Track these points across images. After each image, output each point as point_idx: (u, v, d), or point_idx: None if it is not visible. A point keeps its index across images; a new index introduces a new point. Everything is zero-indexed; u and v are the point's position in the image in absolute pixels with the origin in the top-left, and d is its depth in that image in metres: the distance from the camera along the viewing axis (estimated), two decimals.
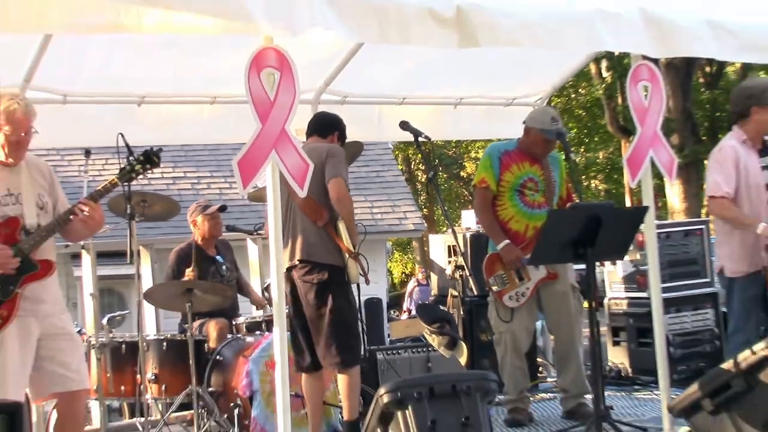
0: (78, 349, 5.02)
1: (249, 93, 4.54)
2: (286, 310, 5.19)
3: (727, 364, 5.29)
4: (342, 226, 5.74)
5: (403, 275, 36.38)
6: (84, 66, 6.68)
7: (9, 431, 2.85)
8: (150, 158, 5.24)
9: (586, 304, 6.32)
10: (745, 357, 5.19)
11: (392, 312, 11.45)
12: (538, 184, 6.70)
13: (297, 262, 5.80)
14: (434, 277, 10.18)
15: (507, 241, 6.62)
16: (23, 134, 4.75)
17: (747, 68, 21.11)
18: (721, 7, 6.19)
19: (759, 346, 5.16)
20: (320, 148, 5.55)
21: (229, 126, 7.24)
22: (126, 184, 5.58)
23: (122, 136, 6.12)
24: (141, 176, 5.41)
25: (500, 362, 6.87)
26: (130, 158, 5.34)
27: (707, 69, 22.75)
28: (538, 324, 7.99)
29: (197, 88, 7.30)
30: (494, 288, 6.74)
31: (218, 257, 7.71)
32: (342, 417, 6.25)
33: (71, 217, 4.85)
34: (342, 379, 5.81)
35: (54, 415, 5.36)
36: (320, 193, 5.64)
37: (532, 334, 7.13)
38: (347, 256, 5.74)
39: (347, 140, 6.31)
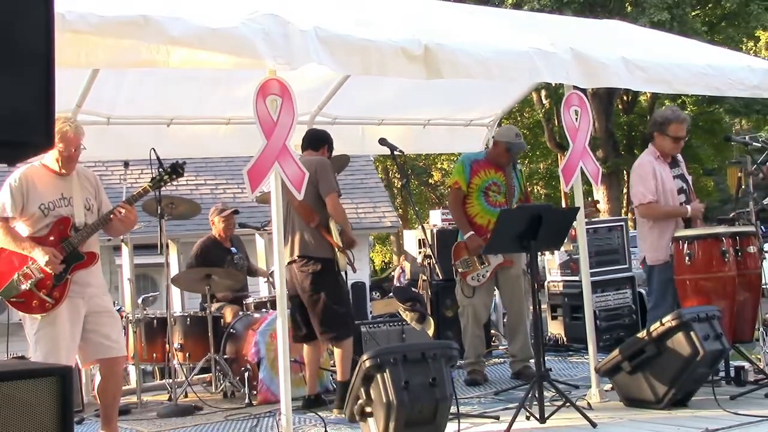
0: (117, 323, 5.02)
1: (256, 115, 4.55)
2: (288, 293, 5.21)
3: (642, 334, 5.33)
4: (333, 226, 5.74)
5: (383, 263, 36.28)
6: (123, 94, 6.65)
7: (60, 390, 2.83)
8: (176, 170, 5.27)
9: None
10: (656, 327, 5.22)
11: (374, 293, 11.44)
12: (500, 188, 6.72)
13: (296, 257, 5.79)
14: (407, 265, 10.18)
15: (472, 232, 6.64)
16: (73, 150, 4.77)
17: (656, 97, 21.28)
18: (633, 48, 6.26)
19: (666, 319, 5.20)
20: (311, 162, 5.52)
21: (241, 142, 7.21)
22: (157, 190, 5.62)
23: (154, 150, 6.10)
24: (168, 184, 5.43)
25: (463, 331, 6.88)
26: (160, 170, 5.35)
27: (624, 97, 22.94)
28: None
29: (215, 111, 7.26)
30: (460, 270, 6.76)
31: (233, 249, 7.71)
32: (333, 379, 6.26)
33: (111, 217, 4.87)
34: (337, 351, 5.79)
35: (98, 377, 5.32)
36: (312, 199, 5.61)
37: (490, 309, 7.14)
38: (336, 250, 5.75)
39: (336, 154, 6.30)
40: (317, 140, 6.10)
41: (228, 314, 7.20)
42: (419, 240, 9.35)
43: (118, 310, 7.19)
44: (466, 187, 6.73)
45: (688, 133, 6.39)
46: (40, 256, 4.61)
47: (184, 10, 4.53)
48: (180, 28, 4.34)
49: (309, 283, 5.75)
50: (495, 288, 6.99)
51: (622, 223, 8.98)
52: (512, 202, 6.76)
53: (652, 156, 6.19)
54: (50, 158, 4.78)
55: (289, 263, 5.77)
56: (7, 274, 4.68)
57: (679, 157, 6.38)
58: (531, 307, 6.36)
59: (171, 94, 6.74)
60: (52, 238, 4.72)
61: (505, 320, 8.16)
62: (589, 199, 7.73)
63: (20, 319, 4.82)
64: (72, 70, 5.61)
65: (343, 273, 6.00)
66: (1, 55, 2.89)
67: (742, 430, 4.54)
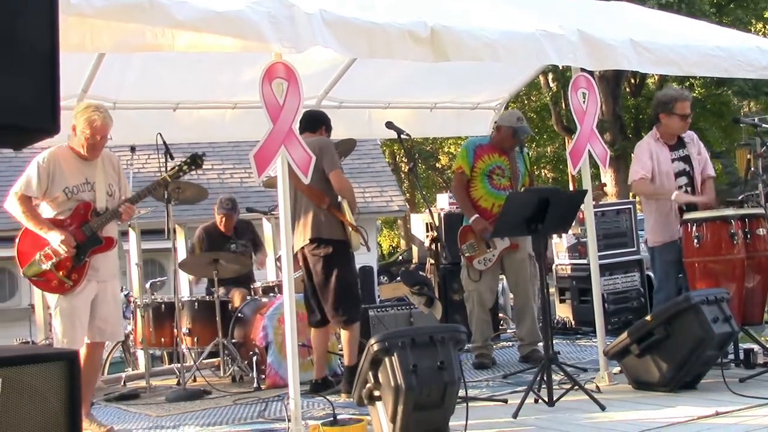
0: (118, 310, 5.18)
1: (263, 99, 4.54)
2: (297, 276, 5.21)
3: (650, 317, 5.33)
4: (345, 205, 5.75)
5: (391, 248, 36.31)
6: (129, 78, 6.65)
7: (68, 375, 2.84)
8: (195, 161, 5.31)
9: None
10: (664, 310, 5.22)
11: (382, 278, 11.47)
12: (504, 171, 6.72)
13: (308, 241, 5.78)
14: (415, 249, 10.18)
15: (477, 215, 6.64)
16: (99, 138, 4.86)
17: (663, 79, 21.18)
18: (641, 30, 6.23)
19: (676, 301, 5.20)
20: (312, 143, 5.47)
21: (247, 126, 7.20)
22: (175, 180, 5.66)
23: (161, 135, 6.12)
24: (187, 174, 5.51)
25: (469, 315, 6.89)
26: (182, 162, 5.40)
27: (632, 80, 22.82)
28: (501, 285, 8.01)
29: (221, 95, 7.25)
30: (466, 254, 6.75)
31: (232, 236, 7.72)
32: (341, 363, 6.27)
33: (120, 211, 4.97)
34: (344, 334, 5.80)
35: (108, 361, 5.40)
36: (319, 181, 5.58)
37: (496, 293, 7.14)
38: (350, 229, 5.75)
39: (343, 138, 6.28)
40: (315, 121, 6.06)
41: (236, 298, 7.21)
42: (426, 224, 9.35)
43: (126, 295, 7.24)
44: (469, 171, 6.74)
45: (692, 110, 6.40)
46: (54, 237, 4.70)
47: None
48: (185, 12, 4.32)
49: (321, 267, 5.76)
50: (501, 272, 6.98)
51: (630, 206, 8.95)
52: (518, 186, 6.75)
53: (651, 138, 6.26)
54: (78, 142, 4.83)
55: (302, 248, 5.79)
56: (30, 254, 4.80)
57: (690, 137, 6.35)
58: (539, 291, 6.39)
59: (177, 78, 6.73)
60: (72, 221, 4.84)
61: (512, 304, 8.16)
62: (596, 182, 7.73)
63: (29, 305, 4.92)
64: (78, 55, 5.61)
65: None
66: (5, 41, 2.89)
67: (751, 413, 4.53)
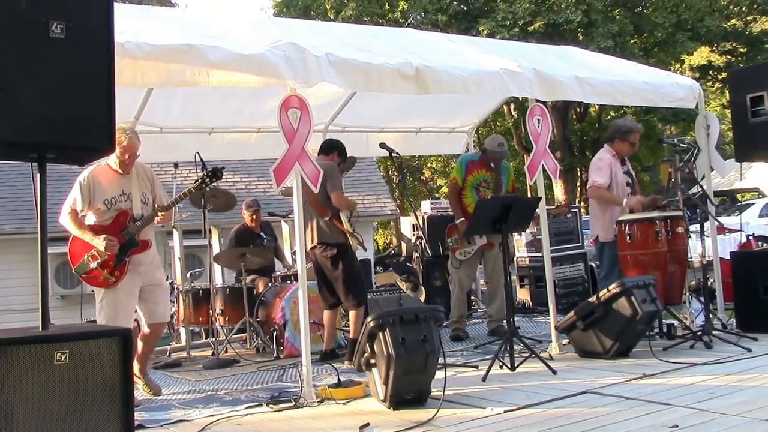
0: (165, 294, 5.06)
1: (280, 125, 4.53)
2: (308, 267, 5.20)
3: (593, 298, 5.32)
4: (343, 216, 5.75)
5: (384, 244, 36.21)
6: (173, 108, 6.62)
7: (122, 347, 2.83)
8: (216, 174, 5.18)
9: None
10: (604, 293, 5.21)
11: (377, 268, 11.44)
12: (489, 184, 6.73)
13: (316, 244, 5.79)
14: (404, 245, 10.16)
15: (463, 218, 6.66)
16: (127, 156, 4.74)
17: (603, 108, 21.25)
18: (584, 68, 6.26)
19: (612, 286, 5.19)
20: (322, 166, 5.44)
21: (269, 147, 7.16)
22: (199, 191, 5.51)
23: (198, 154, 6.08)
24: (210, 186, 5.36)
25: (452, 295, 6.92)
26: (203, 174, 5.23)
27: (578, 109, 22.85)
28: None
29: (247, 122, 7.22)
30: (451, 245, 6.80)
31: (262, 233, 7.69)
32: (345, 337, 6.25)
33: (155, 216, 4.87)
34: (353, 314, 5.79)
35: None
36: (323, 197, 5.65)
37: (473, 279, 7.10)
38: (347, 235, 5.74)
39: (347, 156, 6.27)
40: (328, 147, 6.08)
41: (260, 285, 7.19)
42: (413, 225, 9.36)
43: (171, 283, 7.19)
44: (462, 182, 6.75)
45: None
46: (98, 244, 4.64)
47: (221, 39, 4.51)
48: (218, 54, 4.33)
49: (329, 265, 5.79)
50: (480, 264, 6.98)
51: (576, 210, 8.97)
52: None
53: (609, 154, 6.23)
54: (112, 159, 4.77)
55: (312, 248, 5.81)
56: (80, 255, 4.73)
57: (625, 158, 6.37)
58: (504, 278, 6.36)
59: (211, 108, 6.71)
60: (113, 227, 4.74)
61: (483, 289, 8.16)
62: (550, 192, 7.73)
63: (92, 291, 4.84)
64: (131, 89, 5.59)
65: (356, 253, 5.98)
66: (74, 79, 2.88)
67: (672, 374, 4.53)
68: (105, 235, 4.65)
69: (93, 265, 4.67)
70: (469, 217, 6.59)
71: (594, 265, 8.11)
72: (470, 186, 6.71)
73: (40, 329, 2.91)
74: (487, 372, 4.77)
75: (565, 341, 5.62)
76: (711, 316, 5.64)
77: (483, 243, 6.67)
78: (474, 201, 6.67)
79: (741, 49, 22.87)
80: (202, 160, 6.17)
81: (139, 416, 4.11)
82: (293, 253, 7.71)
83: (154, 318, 4.95)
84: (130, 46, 4.08)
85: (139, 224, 4.79)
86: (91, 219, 4.75)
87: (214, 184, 5.37)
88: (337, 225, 5.75)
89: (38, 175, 3.01)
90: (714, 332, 5.47)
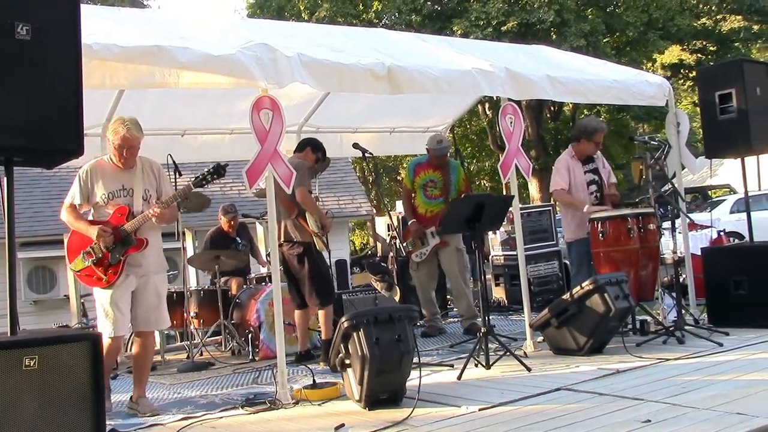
0: (161, 303, 4.69)
1: (252, 126, 4.50)
2: (281, 269, 5.18)
3: (566, 296, 5.36)
4: (309, 216, 5.72)
5: (361, 244, 36.20)
6: (145, 110, 6.52)
7: (93, 352, 2.80)
8: (218, 170, 4.88)
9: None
10: (577, 291, 5.25)
11: (354, 269, 11.41)
12: (437, 183, 6.78)
13: (283, 241, 5.79)
14: (379, 245, 10.17)
15: (413, 220, 6.79)
16: (126, 148, 4.51)
17: (576, 107, 21.41)
18: (556, 67, 6.31)
19: (585, 283, 5.23)
20: (291, 162, 5.37)
21: (242, 148, 7.12)
22: (199, 188, 4.99)
23: (171, 156, 6.03)
24: (211, 183, 4.89)
25: (418, 296, 6.97)
26: (206, 172, 4.81)
27: (552, 108, 23.02)
28: None
29: (220, 123, 7.19)
30: (407, 249, 6.89)
31: (237, 238, 7.67)
32: (320, 337, 6.24)
33: (150, 214, 4.55)
34: (320, 314, 5.79)
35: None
36: (291, 195, 5.52)
37: (435, 279, 7.07)
38: (312, 235, 5.73)
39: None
40: (301, 145, 6.12)
41: (234, 286, 7.16)
42: (387, 225, 9.40)
43: None
44: (411, 185, 6.87)
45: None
46: (91, 233, 4.50)
47: (191, 40, 4.48)
48: (187, 56, 4.30)
49: (296, 262, 5.79)
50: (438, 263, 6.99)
51: (550, 208, 9.03)
52: (449, 194, 6.77)
53: (568, 156, 6.32)
54: (110, 152, 4.58)
55: (280, 245, 5.78)
56: (76, 252, 4.58)
57: (597, 154, 6.42)
58: (472, 277, 6.40)
59: (183, 109, 6.66)
60: (110, 223, 4.53)
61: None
62: (525, 192, 7.79)
63: (65, 296, 4.73)
64: (102, 91, 5.53)
65: (325, 253, 5.96)
66: (40, 82, 2.85)
67: (644, 370, 4.57)
68: (100, 226, 4.49)
69: (88, 262, 4.52)
70: (420, 219, 6.73)
71: (568, 263, 8.16)
72: (419, 187, 6.82)
73: (9, 335, 2.88)
74: (462, 370, 4.78)
75: (540, 339, 5.65)
76: (683, 311, 5.71)
77: (436, 242, 6.73)
78: (422, 201, 6.82)
79: (711, 48, 23.21)
80: (174, 162, 6.13)
81: (111, 421, 4.07)
82: (267, 254, 7.70)
83: (140, 326, 4.64)
84: (99, 48, 4.04)
85: (136, 222, 4.53)
86: (91, 216, 4.61)
87: (216, 180, 5.17)
88: (302, 224, 5.73)
89: (4, 179, 2.96)
90: (686, 327, 5.54)
